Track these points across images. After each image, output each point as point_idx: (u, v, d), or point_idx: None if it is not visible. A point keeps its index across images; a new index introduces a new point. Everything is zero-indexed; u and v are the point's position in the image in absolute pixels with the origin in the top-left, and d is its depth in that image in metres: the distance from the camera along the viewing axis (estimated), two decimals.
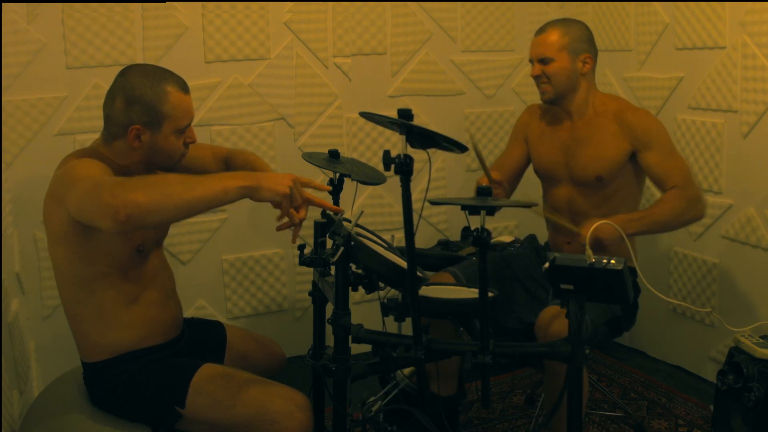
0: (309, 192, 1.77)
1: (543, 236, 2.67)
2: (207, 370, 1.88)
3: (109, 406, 1.89)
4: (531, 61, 2.43)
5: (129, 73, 1.82)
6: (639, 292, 2.39)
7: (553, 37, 2.38)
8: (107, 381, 1.88)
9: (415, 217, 1.70)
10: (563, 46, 2.37)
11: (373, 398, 1.95)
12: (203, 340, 2.13)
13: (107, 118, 1.85)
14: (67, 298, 1.88)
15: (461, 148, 1.70)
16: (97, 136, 1.91)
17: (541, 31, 2.43)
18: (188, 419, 1.85)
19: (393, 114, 1.70)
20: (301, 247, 1.97)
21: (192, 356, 1.99)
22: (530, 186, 2.67)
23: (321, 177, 3.14)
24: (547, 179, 2.54)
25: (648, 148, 2.34)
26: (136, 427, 1.87)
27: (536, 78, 2.42)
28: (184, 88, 1.85)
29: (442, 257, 2.64)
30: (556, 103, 2.46)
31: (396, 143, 3.23)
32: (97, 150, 1.87)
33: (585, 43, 2.40)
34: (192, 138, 1.91)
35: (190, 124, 1.88)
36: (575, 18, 2.56)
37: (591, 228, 1.91)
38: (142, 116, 1.79)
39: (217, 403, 1.82)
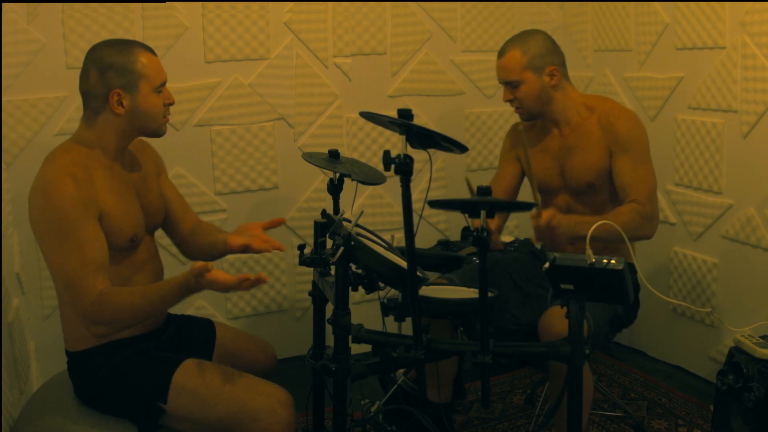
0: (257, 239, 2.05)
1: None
2: (189, 365, 1.88)
3: (94, 401, 1.89)
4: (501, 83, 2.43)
5: (96, 48, 1.89)
6: (639, 288, 2.39)
7: (513, 59, 2.35)
8: (91, 372, 1.88)
9: (416, 217, 1.70)
10: (524, 66, 2.34)
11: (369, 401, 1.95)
12: (191, 337, 2.12)
13: (86, 96, 1.89)
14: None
15: (461, 148, 1.71)
16: None
17: (501, 54, 2.40)
18: (171, 415, 1.85)
19: (393, 114, 1.70)
20: (301, 247, 1.97)
21: (177, 352, 1.98)
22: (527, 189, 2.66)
23: (321, 177, 3.15)
24: (544, 190, 2.53)
25: (623, 152, 2.33)
26: (122, 426, 1.86)
27: (509, 102, 2.43)
28: (151, 50, 1.92)
29: (442, 257, 2.63)
30: (536, 119, 2.47)
31: (396, 143, 3.23)
32: (81, 137, 1.90)
33: (547, 56, 2.36)
34: (170, 99, 1.96)
35: (165, 83, 1.93)
36: (538, 29, 2.48)
37: (547, 217, 2.06)
38: (119, 79, 1.85)
39: (198, 400, 1.82)
